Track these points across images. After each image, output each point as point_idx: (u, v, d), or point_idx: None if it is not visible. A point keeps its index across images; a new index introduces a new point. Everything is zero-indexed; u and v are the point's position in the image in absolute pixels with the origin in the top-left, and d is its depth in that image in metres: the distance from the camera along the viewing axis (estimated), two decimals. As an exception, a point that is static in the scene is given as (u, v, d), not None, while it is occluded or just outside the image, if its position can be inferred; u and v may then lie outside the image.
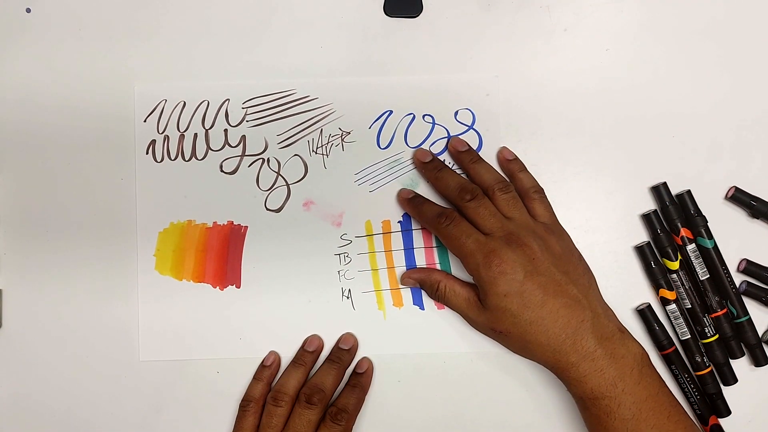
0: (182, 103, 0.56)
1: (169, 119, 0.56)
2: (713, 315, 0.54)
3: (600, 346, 0.46)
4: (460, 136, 0.56)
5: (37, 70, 0.54)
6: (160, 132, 0.56)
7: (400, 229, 0.56)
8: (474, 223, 0.50)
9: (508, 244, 0.48)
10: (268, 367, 0.55)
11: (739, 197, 0.54)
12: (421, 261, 0.56)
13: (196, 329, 0.56)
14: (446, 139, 0.56)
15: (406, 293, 0.56)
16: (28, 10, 0.52)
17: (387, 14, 0.52)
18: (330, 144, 0.56)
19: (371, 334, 0.56)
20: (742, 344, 0.54)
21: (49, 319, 0.54)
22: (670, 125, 0.55)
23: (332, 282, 0.56)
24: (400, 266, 0.56)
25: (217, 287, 0.56)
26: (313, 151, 0.56)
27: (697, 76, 0.55)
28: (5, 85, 0.55)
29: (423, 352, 0.55)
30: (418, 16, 0.52)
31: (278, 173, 0.56)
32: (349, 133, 0.56)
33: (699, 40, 0.55)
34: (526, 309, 0.47)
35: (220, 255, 0.56)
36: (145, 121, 0.56)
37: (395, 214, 0.56)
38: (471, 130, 0.56)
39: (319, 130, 0.56)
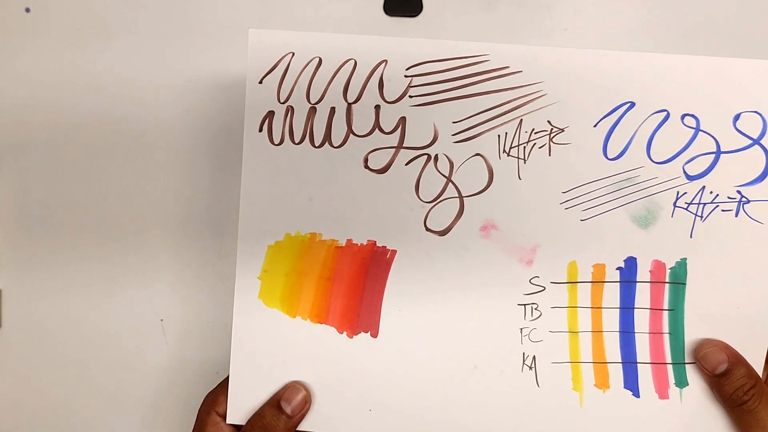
0: (317, 60, 0.38)
1: (295, 84, 0.38)
2: None
3: None
4: (736, 151, 0.37)
5: (37, 70, 0.51)
6: (282, 101, 0.38)
7: (618, 279, 0.38)
8: None
9: None
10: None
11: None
12: (643, 327, 0.39)
13: (310, 387, 0.39)
14: (714, 155, 0.37)
15: (616, 370, 0.39)
16: (28, 10, 0.51)
17: (387, 13, 0.49)
18: (531, 144, 0.38)
19: (559, 425, 0.39)
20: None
21: (49, 319, 0.51)
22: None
23: (511, 344, 0.39)
24: (612, 331, 0.39)
25: (344, 333, 0.39)
26: (504, 151, 0.38)
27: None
28: (5, 84, 0.51)
29: (635, 460, 0.39)
30: (417, 15, 0.49)
31: (449, 179, 0.38)
32: (563, 130, 0.38)
33: (699, 39, 0.50)
34: None
35: (353, 288, 0.39)
36: (260, 82, 0.38)
37: (615, 256, 0.38)
38: (756, 145, 0.37)
39: (518, 121, 0.38)
